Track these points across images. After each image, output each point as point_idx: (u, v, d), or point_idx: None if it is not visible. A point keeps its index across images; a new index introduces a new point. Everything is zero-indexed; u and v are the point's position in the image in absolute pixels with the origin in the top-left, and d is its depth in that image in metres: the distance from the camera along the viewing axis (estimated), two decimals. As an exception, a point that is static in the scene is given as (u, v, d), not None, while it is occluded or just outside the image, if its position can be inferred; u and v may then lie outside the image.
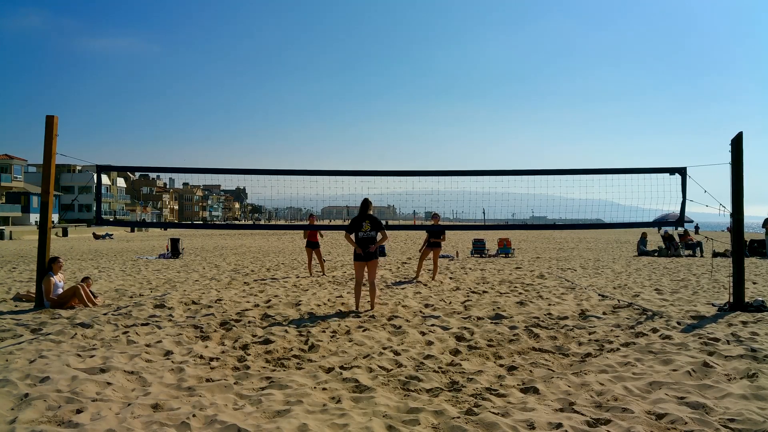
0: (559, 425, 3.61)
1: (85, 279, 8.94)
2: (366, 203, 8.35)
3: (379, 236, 8.27)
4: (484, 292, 10.18)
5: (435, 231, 12.20)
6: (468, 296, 9.60)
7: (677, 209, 8.87)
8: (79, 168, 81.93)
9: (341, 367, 5.04)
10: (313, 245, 12.94)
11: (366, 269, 8.30)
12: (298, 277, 12.76)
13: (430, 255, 12.63)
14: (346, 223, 12.64)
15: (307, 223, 13.51)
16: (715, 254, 18.64)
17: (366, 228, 8.22)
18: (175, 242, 20.77)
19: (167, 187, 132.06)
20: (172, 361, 5.23)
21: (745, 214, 8.03)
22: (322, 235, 13.48)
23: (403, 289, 10.65)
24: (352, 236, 8.26)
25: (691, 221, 11.06)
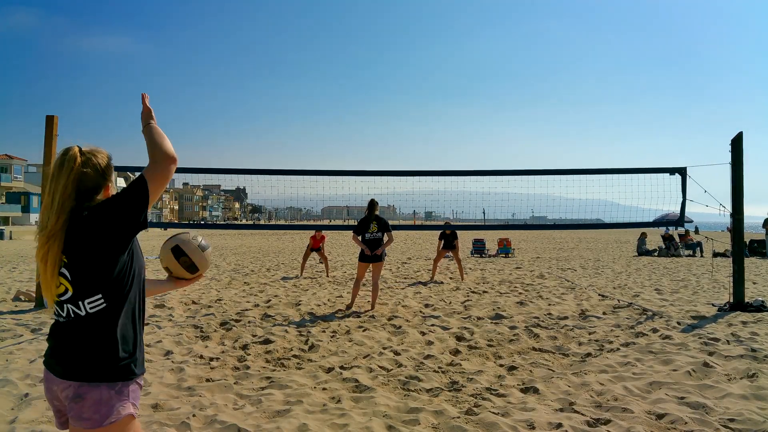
0: (559, 425, 3.61)
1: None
2: (373, 204, 8.33)
3: (385, 237, 8.26)
4: (484, 292, 10.18)
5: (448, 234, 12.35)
6: (468, 296, 9.60)
7: (677, 209, 8.86)
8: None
9: (341, 367, 5.04)
10: (316, 250, 13.08)
11: (370, 269, 8.33)
12: (297, 277, 12.77)
13: (450, 254, 12.69)
14: (346, 223, 12.54)
15: (313, 232, 13.23)
16: (715, 254, 18.64)
17: (373, 229, 8.22)
18: (175, 242, 20.76)
19: (167, 187, 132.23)
20: (172, 361, 5.23)
21: (745, 214, 8.03)
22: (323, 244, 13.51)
23: (403, 289, 10.65)
24: (360, 237, 8.25)
25: (691, 221, 11.07)
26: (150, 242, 33.46)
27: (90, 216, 1.84)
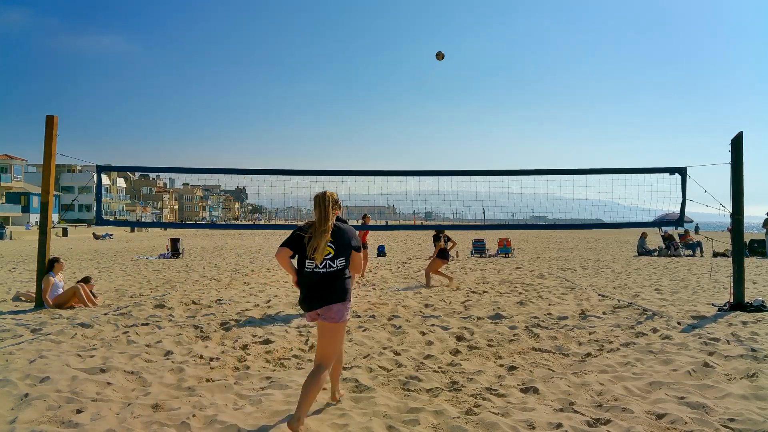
0: (559, 425, 3.61)
1: (87, 280, 8.94)
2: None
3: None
4: (484, 292, 10.18)
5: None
6: (468, 296, 9.60)
7: (677, 209, 8.86)
8: (79, 168, 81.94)
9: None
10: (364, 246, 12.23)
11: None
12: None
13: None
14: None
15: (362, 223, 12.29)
16: (715, 254, 18.63)
17: None
18: (175, 242, 20.78)
19: (167, 187, 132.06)
20: (172, 361, 5.23)
21: (745, 214, 8.03)
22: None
23: (403, 289, 10.64)
24: None
25: (691, 221, 11.05)
26: (149, 242, 33.48)
27: (344, 228, 3.76)
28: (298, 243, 3.71)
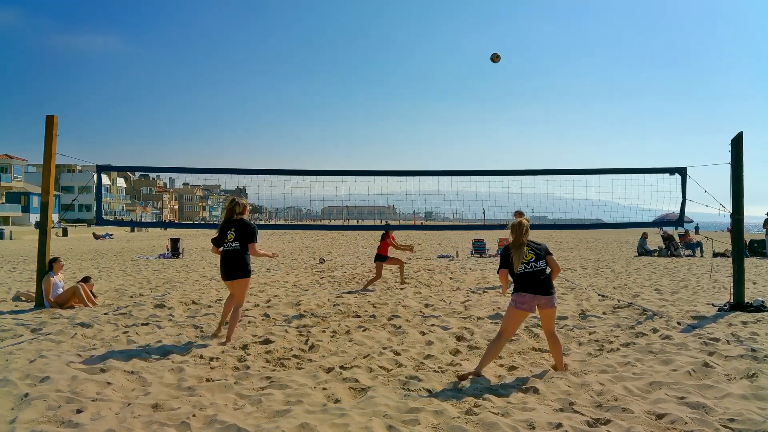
0: (559, 425, 3.61)
1: (87, 279, 8.93)
2: (232, 204, 6.38)
3: (250, 249, 6.12)
4: (484, 292, 10.18)
5: None
6: (468, 296, 9.60)
7: (677, 209, 8.85)
8: (79, 168, 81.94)
9: (341, 367, 5.04)
10: (381, 258, 10.91)
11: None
12: (297, 277, 12.75)
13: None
14: (346, 223, 12.31)
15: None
16: (715, 254, 18.61)
17: (230, 238, 6.21)
18: (175, 242, 20.77)
19: (167, 187, 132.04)
20: (172, 361, 5.23)
21: (745, 214, 8.03)
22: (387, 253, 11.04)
23: (402, 289, 10.64)
24: (221, 249, 6.27)
25: (692, 221, 11.04)
26: (149, 242, 33.47)
27: (538, 242, 5.13)
28: (506, 259, 5.04)
